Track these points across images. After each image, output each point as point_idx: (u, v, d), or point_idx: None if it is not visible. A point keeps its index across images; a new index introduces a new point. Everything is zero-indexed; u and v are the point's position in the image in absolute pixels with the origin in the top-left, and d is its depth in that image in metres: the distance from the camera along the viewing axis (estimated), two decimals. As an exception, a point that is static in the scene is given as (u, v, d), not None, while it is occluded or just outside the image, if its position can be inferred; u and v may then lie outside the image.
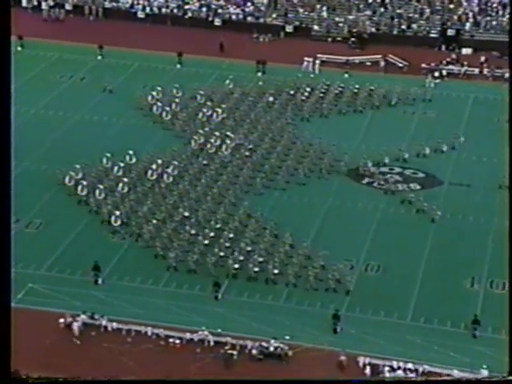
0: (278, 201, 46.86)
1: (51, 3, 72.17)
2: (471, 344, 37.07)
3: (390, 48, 65.06)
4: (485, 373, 34.86)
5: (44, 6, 72.11)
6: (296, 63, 63.21)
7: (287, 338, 36.58)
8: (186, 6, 71.92)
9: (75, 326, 36.85)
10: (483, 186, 48.99)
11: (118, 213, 43.87)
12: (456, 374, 34.93)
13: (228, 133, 52.03)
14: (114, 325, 37.40)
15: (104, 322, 37.53)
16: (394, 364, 35.34)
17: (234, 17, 71.12)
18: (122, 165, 48.31)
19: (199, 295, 39.88)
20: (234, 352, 36.07)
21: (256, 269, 40.24)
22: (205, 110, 55.12)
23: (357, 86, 58.52)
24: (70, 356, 36.00)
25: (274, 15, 70.81)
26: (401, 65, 63.95)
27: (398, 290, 40.22)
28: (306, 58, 63.52)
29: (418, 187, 48.68)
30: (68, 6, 72.64)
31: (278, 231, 43.19)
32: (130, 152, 49.12)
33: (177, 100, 56.20)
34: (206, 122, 54.00)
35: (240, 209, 44.91)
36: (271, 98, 57.28)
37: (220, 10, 71.44)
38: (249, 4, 71.62)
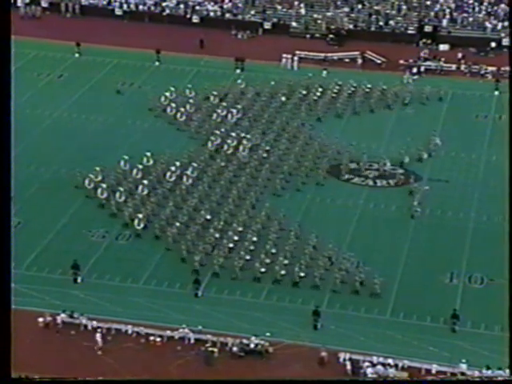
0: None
1: (27, 0, 71.70)
2: (450, 338, 37.33)
3: (368, 44, 65.32)
4: (464, 367, 35.16)
5: (20, 3, 71.66)
6: (275, 60, 63.32)
7: (268, 334, 36.66)
8: (164, 3, 71.79)
9: (98, 336, 36.29)
10: (462, 181, 49.37)
11: (140, 215, 43.45)
12: (435, 368, 35.21)
13: (243, 134, 51.72)
14: (94, 323, 37.28)
15: (84, 321, 37.39)
16: (374, 359, 35.53)
17: (211, 14, 71.09)
18: (140, 167, 47.87)
19: (179, 293, 39.86)
20: (215, 349, 36.09)
21: (282, 272, 40.11)
22: (219, 110, 54.70)
23: (369, 86, 58.31)
24: (50, 355, 35.85)
25: (252, 12, 70.84)
26: (379, 61, 64.24)
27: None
28: (285, 55, 63.65)
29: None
30: (44, 4, 72.24)
31: (301, 233, 42.92)
32: (148, 153, 48.74)
33: (191, 101, 55.82)
34: (222, 123, 53.64)
35: (262, 211, 44.65)
36: (284, 98, 57.06)
37: (198, 7, 71.38)
38: (227, 0, 71.66)
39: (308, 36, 68.67)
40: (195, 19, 70.44)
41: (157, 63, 63.38)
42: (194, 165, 48.23)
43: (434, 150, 51.79)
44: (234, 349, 36.19)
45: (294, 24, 69.60)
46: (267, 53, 64.28)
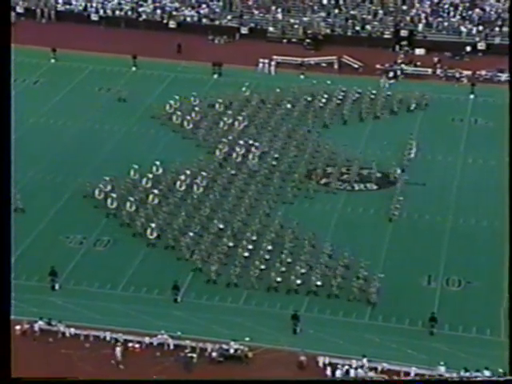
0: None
1: (2, 6, 71.25)
2: (428, 341, 37.54)
3: (345, 49, 65.63)
4: (442, 369, 35.36)
5: (-5, 8, 71.16)
6: (252, 65, 63.46)
7: (247, 339, 36.67)
8: (140, 9, 71.68)
9: (118, 350, 35.91)
10: (438, 184, 49.69)
11: (153, 225, 43.11)
12: (414, 371, 35.39)
13: (251, 141, 51.56)
14: (72, 330, 37.14)
15: (61, 328, 37.22)
16: (354, 363, 35.65)
17: (188, 19, 71.11)
18: (150, 176, 47.50)
19: (158, 299, 39.77)
20: (194, 355, 36.05)
21: (298, 281, 39.93)
22: (225, 118, 54.46)
23: (373, 92, 58.38)
24: (28, 363, 35.52)
25: (229, 17, 70.94)
26: (356, 66, 64.57)
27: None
28: (261, 60, 63.79)
29: (375, 187, 49.23)
30: (19, 9, 71.84)
31: (315, 241, 42.80)
32: (157, 162, 48.41)
33: (196, 109, 55.62)
34: (229, 131, 53.38)
35: (275, 219, 44.48)
36: (289, 106, 56.98)
37: (174, 13, 71.34)
38: (204, 5, 71.71)
39: (285, 41, 68.90)
40: (172, 24, 70.40)
41: (134, 68, 63.31)
42: (204, 174, 48.02)
43: (410, 154, 52.13)
44: (214, 354, 36.15)
45: (270, 29, 69.79)
46: (244, 58, 64.41)
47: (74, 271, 41.40)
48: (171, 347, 36.60)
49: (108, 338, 36.83)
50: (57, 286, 40.14)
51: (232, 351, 36.16)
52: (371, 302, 39.31)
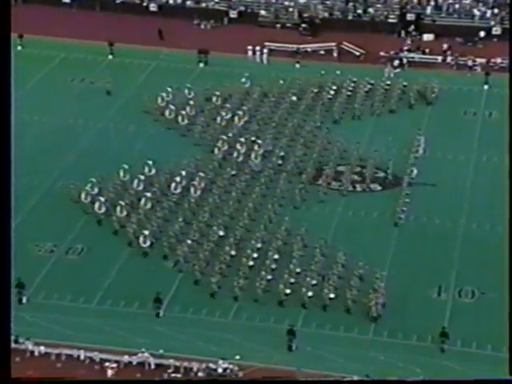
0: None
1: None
2: (439, 359, 37.63)
3: (345, 35, 65.85)
4: (454, 389, 35.49)
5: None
6: (242, 52, 63.59)
7: (237, 357, 36.66)
8: (118, -10, 71.82)
9: (109, 373, 36.07)
10: (449, 185, 49.83)
11: (146, 232, 42.99)
12: (423, 392, 35.53)
13: (253, 138, 51.48)
14: (42, 349, 37.10)
15: (30, 346, 37.17)
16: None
17: (171, 1, 71.18)
18: (142, 177, 47.41)
19: (138, 313, 39.76)
20: (179, 375, 36.03)
21: (310, 293, 39.94)
22: (223, 112, 54.32)
23: (388, 83, 58.30)
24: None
25: (216, -1, 71.15)
26: (357, 53, 64.72)
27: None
28: (252, 47, 63.87)
29: (379, 188, 49.32)
30: (-18, -10, 71.83)
31: (327, 249, 42.83)
32: (149, 162, 48.30)
33: (191, 102, 55.41)
34: (228, 127, 53.19)
35: (281, 225, 44.48)
36: (294, 98, 56.91)
37: (156, -6, 71.52)
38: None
39: (278, 25, 69.05)
40: (153, 7, 70.54)
41: (110, 57, 63.33)
42: (202, 175, 47.92)
43: (418, 151, 52.28)
44: (200, 374, 36.17)
45: (262, 12, 69.98)
46: (233, 44, 64.59)
47: (43, 283, 41.39)
48: (152, 367, 36.60)
49: (82, 357, 36.84)
50: (24, 300, 40.14)
51: (220, 371, 36.19)
52: (374, 316, 39.32)
